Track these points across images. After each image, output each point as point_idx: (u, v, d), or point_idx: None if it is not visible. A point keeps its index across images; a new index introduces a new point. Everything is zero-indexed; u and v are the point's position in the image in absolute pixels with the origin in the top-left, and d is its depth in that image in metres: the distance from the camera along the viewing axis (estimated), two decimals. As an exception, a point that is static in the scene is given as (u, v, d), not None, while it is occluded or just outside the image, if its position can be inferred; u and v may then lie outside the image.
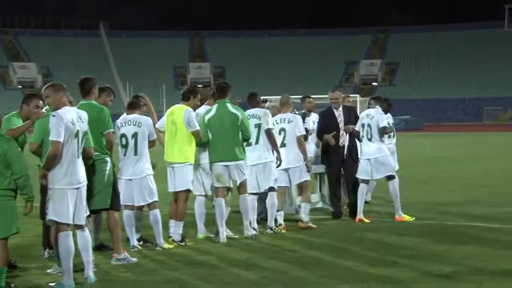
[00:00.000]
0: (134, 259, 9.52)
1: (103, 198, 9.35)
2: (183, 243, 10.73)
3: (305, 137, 13.28)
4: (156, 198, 10.41)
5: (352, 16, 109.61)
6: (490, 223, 12.47)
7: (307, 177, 12.27)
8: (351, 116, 13.46)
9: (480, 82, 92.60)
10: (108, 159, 9.43)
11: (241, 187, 11.31)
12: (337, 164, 13.23)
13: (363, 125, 13.01)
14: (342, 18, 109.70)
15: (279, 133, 12.05)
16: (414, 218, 12.87)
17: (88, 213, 8.49)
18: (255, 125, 11.61)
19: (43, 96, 8.38)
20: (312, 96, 15.20)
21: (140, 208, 10.63)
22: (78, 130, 8.11)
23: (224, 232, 11.14)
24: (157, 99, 67.95)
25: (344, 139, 13.24)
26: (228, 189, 11.48)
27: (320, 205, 14.06)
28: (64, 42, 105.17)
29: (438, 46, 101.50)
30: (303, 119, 13.22)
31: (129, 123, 10.33)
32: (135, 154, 10.26)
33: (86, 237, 8.32)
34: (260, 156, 11.68)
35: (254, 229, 11.38)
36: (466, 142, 44.01)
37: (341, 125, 13.22)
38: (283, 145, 12.04)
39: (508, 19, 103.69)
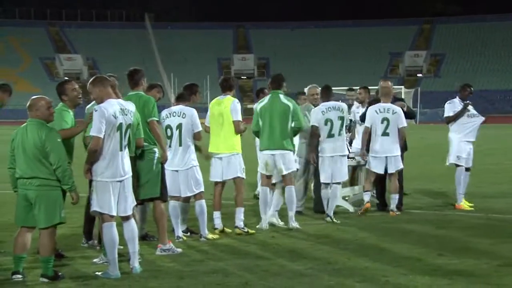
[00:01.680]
0: (179, 250, 9.58)
1: (152, 187, 9.46)
2: (246, 230, 10.85)
3: (349, 128, 13.31)
4: (202, 189, 10.47)
5: (397, 6, 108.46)
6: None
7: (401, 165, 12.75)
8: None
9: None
10: (156, 149, 9.53)
11: (286, 178, 11.36)
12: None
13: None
14: (387, 9, 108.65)
15: (381, 122, 12.55)
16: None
17: (135, 203, 8.55)
18: (339, 117, 12.05)
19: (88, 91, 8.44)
20: (355, 87, 15.11)
21: (187, 199, 10.71)
22: (121, 123, 8.13)
23: (267, 220, 11.29)
24: (202, 91, 68.08)
25: None
26: (273, 184, 11.57)
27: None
28: (109, 34, 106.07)
29: (485, 37, 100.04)
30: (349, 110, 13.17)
31: (174, 114, 10.40)
32: (180, 145, 10.33)
33: (132, 228, 8.39)
34: (341, 147, 12.12)
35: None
36: (514, 134, 43.36)
37: None
38: (385, 134, 12.53)
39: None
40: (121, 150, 8.17)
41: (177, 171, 10.35)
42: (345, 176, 12.38)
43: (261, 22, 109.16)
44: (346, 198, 13.54)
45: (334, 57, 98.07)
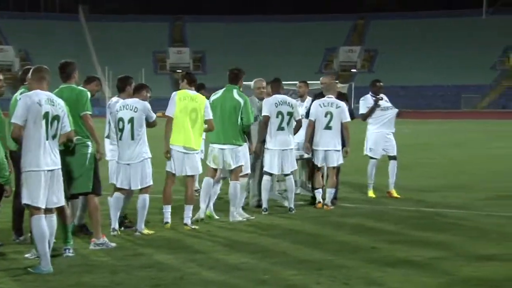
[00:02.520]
0: (113, 244, 9.47)
1: (84, 182, 9.33)
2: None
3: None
4: (151, 183, 10.42)
5: (332, 1, 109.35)
6: (469, 210, 12.57)
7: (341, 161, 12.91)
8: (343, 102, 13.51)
9: (458, 70, 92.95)
10: (89, 142, 9.40)
11: (233, 173, 11.48)
12: None
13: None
14: (322, 4, 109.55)
15: (325, 116, 12.70)
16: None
17: (69, 197, 8.43)
18: (288, 112, 12.17)
19: None
20: (291, 82, 15.19)
21: (131, 193, 10.63)
22: (47, 112, 8.02)
23: (205, 211, 11.41)
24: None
25: None
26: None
27: (298, 191, 14.03)
28: (42, 25, 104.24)
29: (418, 33, 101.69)
30: None
31: (127, 108, 10.33)
32: (132, 138, 10.28)
33: (53, 223, 8.25)
34: (289, 141, 12.23)
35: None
36: (446, 129, 44.29)
37: None
38: (328, 128, 12.65)
39: (486, 7, 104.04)
40: (47, 139, 8.03)
41: (128, 164, 10.27)
42: (295, 166, 12.56)
43: (199, 15, 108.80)
44: (281, 192, 13.57)
45: (270, 52, 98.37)
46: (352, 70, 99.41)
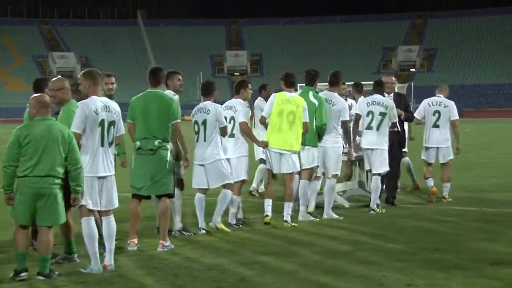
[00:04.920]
0: (173, 246, 9.56)
1: (166, 184, 9.53)
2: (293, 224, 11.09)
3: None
4: (228, 181, 10.58)
5: (389, 1, 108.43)
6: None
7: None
8: (401, 102, 13.41)
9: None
10: (169, 146, 9.63)
11: (304, 173, 11.56)
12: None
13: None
14: (379, 4, 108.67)
15: (433, 114, 13.37)
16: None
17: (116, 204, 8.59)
18: (380, 112, 12.42)
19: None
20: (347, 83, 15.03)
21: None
22: (103, 120, 8.24)
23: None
24: (194, 87, 68.11)
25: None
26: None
27: (359, 192, 13.93)
28: (102, 31, 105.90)
29: (477, 31, 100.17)
30: None
31: (200, 111, 10.58)
32: (204, 140, 10.46)
33: (111, 225, 8.43)
34: (378, 141, 12.39)
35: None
36: (508, 128, 43.46)
37: None
38: (436, 126, 13.38)
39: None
40: (102, 146, 8.26)
41: (203, 165, 10.47)
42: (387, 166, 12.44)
43: (253, 18, 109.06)
44: (341, 194, 13.49)
45: (327, 53, 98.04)
46: (411, 69, 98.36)
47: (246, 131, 11.19)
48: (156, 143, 9.40)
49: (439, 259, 8.64)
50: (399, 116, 12.96)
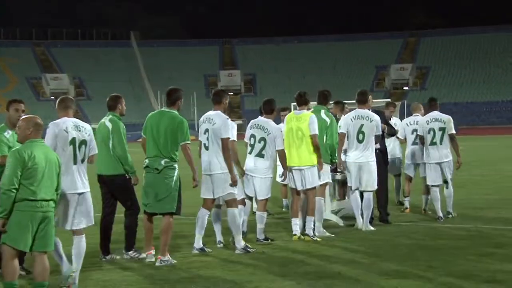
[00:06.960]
0: (174, 261, 9.69)
1: (169, 202, 9.66)
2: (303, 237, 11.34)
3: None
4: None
5: (381, 20, 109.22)
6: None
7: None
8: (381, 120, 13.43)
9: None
10: (176, 165, 9.75)
11: (319, 189, 11.80)
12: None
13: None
14: (371, 23, 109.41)
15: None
16: None
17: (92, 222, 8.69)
18: (439, 128, 13.45)
19: None
20: (345, 101, 15.07)
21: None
22: (74, 138, 8.41)
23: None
24: (188, 108, 68.23)
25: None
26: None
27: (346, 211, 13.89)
28: (95, 52, 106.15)
29: (469, 49, 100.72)
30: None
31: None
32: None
33: (81, 244, 8.50)
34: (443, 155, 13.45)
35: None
36: (502, 145, 43.57)
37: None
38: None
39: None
40: (75, 164, 8.42)
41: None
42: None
43: (247, 38, 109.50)
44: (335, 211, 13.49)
45: (320, 71, 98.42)
46: (404, 88, 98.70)
47: (283, 157, 11.36)
48: (162, 162, 9.61)
49: (432, 277, 8.63)
50: (382, 131, 12.98)
